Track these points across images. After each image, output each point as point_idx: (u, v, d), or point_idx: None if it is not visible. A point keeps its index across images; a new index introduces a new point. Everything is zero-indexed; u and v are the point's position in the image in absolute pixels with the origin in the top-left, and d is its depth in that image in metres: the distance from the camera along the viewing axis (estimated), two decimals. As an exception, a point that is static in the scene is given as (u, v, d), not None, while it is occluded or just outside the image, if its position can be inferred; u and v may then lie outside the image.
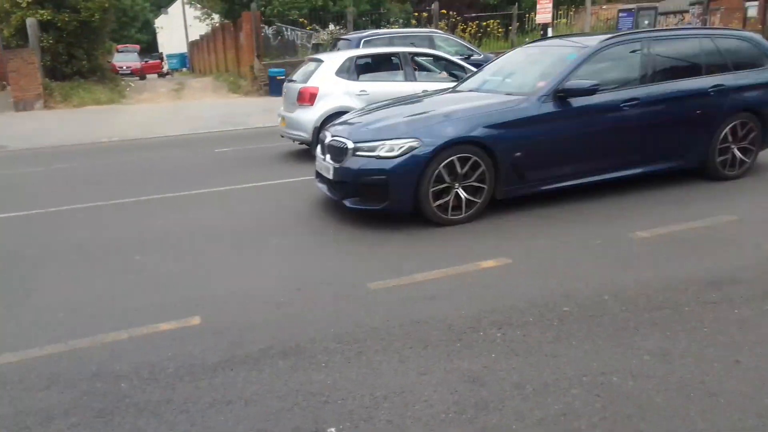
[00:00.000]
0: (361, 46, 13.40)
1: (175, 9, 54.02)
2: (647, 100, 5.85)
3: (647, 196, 6.02)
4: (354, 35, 14.36)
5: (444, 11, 20.04)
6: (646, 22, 19.88)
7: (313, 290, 4.17)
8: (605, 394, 2.83)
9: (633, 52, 6.06)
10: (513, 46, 20.12)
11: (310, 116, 8.52)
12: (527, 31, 21.33)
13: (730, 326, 3.42)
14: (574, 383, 2.93)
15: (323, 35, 21.25)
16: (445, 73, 9.62)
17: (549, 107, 5.52)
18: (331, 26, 21.89)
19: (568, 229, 5.19)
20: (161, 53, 50.16)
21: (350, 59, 8.92)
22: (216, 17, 30.72)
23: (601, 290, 3.94)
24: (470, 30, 20.34)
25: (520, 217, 5.53)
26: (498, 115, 5.42)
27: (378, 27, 20.03)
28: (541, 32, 15.50)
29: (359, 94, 8.66)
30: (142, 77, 35.63)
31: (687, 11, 24.78)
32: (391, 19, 22.16)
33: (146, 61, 42.08)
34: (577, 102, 5.60)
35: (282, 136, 9.48)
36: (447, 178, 5.26)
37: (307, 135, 8.57)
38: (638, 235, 4.92)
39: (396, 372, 3.07)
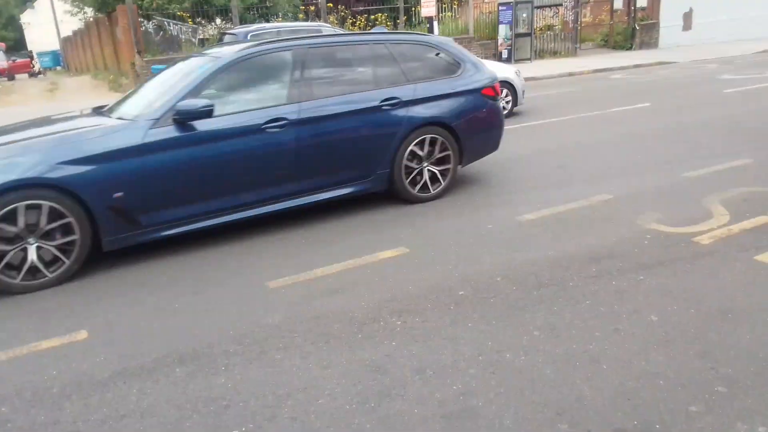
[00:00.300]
0: (248, 41, 13.12)
1: (41, 3, 50.00)
2: (300, 119, 5.00)
3: (527, 180, 6.37)
4: (240, 29, 13.99)
5: (330, 4, 20.00)
6: (524, 15, 20.90)
7: (209, 293, 4.05)
8: (500, 371, 2.97)
9: (281, 63, 5.19)
10: (402, 39, 20.48)
11: None
12: (414, 24, 21.77)
13: (610, 298, 3.69)
14: (472, 363, 3.04)
15: (209, 30, 20.52)
16: None
17: (162, 133, 4.50)
18: (218, 20, 21.20)
19: (461, 216, 5.37)
20: (30, 51, 46.33)
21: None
22: (89, 11, 28.73)
23: (493, 272, 4.12)
24: (359, 23, 20.45)
25: (417, 207, 5.65)
26: (86, 146, 4.29)
27: (267, 21, 19.62)
28: (428, 26, 15.89)
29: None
30: (11, 78, 32.86)
31: (561, 4, 26.37)
32: (280, 13, 21.79)
33: (14, 60, 38.79)
34: (203, 125, 4.63)
35: None
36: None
37: None
38: (525, 218, 5.18)
39: (299, 368, 3.05)
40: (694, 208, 5.14)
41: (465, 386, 2.85)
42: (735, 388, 2.73)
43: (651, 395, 2.71)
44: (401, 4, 21.17)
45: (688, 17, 24.16)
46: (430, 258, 4.45)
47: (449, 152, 5.81)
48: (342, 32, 15.28)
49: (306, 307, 3.73)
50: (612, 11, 24.17)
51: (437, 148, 5.73)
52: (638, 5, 23.10)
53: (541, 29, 23.14)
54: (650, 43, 23.51)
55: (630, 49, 22.83)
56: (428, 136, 5.65)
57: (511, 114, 10.53)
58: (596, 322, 3.40)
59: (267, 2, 22.03)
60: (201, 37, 19.92)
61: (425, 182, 5.75)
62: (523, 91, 10.71)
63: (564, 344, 3.19)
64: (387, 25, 20.79)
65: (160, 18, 19.91)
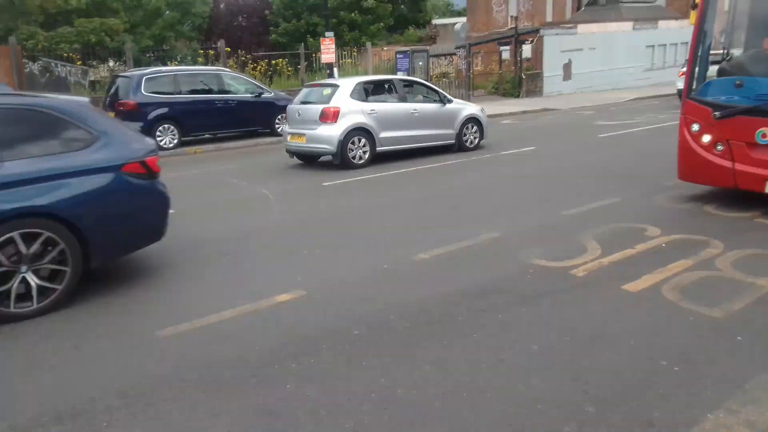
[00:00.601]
0: (142, 84, 12.88)
1: None
2: None
3: (422, 220, 6.64)
4: (135, 72, 13.70)
5: (228, 49, 20.01)
6: (420, 63, 21.95)
7: (91, 346, 3.86)
8: (392, 406, 3.05)
9: None
10: (303, 84, 20.78)
11: (334, 131, 9.91)
12: (315, 70, 22.20)
13: (495, 330, 3.90)
14: (364, 401, 3.10)
15: (102, 71, 19.87)
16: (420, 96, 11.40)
17: None
18: (111, 62, 20.59)
19: (357, 258, 5.49)
20: None
21: (359, 84, 10.56)
22: (-32, 50, 26.94)
23: (387, 311, 4.23)
24: (260, 68, 20.56)
25: (314, 249, 5.71)
26: None
27: (164, 64, 19.27)
28: (327, 72, 16.28)
29: (370, 113, 10.28)
30: None
31: (455, 54, 27.92)
32: (179, 57, 21.50)
33: None
34: None
35: (290, 152, 10.85)
36: None
37: (332, 148, 9.98)
38: (420, 257, 5.38)
39: (188, 418, 2.98)
40: (571, 243, 5.56)
41: (357, 423, 2.90)
42: (603, 407, 2.97)
43: (530, 419, 2.89)
44: (302, 50, 21.56)
45: (567, 68, 26.29)
46: (326, 299, 4.50)
47: (63, 250, 4.33)
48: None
49: (198, 355, 3.65)
50: (500, 61, 25.89)
51: (39, 245, 4.24)
52: (524, 56, 24.89)
53: (437, 76, 24.30)
54: (536, 91, 25.30)
55: (518, 96, 24.43)
56: (22, 232, 4.17)
57: (478, 147, 11.79)
58: (483, 354, 3.58)
59: (164, 45, 21.70)
60: (92, 79, 19.22)
61: (29, 292, 4.25)
62: (486, 126, 12.09)
63: (453, 377, 3.33)
64: (288, 71, 21.07)
65: (46, 59, 19.03)
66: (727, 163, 6.29)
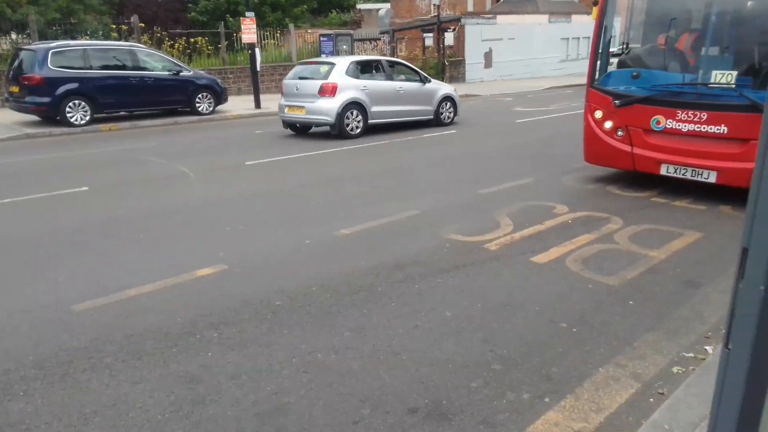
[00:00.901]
0: (49, 58, 12.26)
1: None
2: None
3: (346, 199, 6.76)
4: (40, 45, 12.92)
5: (143, 25, 19.19)
6: (344, 46, 21.90)
7: (5, 321, 3.74)
8: (311, 369, 3.18)
9: None
10: (224, 64, 20.27)
11: (333, 104, 11.02)
12: (237, 50, 21.67)
13: (412, 299, 4.10)
14: (285, 365, 3.22)
15: (2, 44, 18.55)
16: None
17: None
18: (13, 35, 19.25)
19: (281, 234, 5.55)
20: None
21: (353, 62, 11.67)
22: None
23: (309, 283, 4.34)
24: (178, 46, 19.84)
25: (236, 226, 5.72)
26: None
27: (72, 38, 18.22)
28: (249, 51, 15.95)
29: (363, 89, 11.44)
30: None
31: (380, 39, 28.03)
32: (89, 31, 20.35)
33: None
34: None
35: (286, 123, 12.04)
36: None
37: (331, 119, 11.06)
38: (342, 233, 5.51)
39: (107, 387, 2.98)
40: (486, 219, 5.86)
41: (278, 386, 3.01)
42: (508, 365, 3.22)
43: (441, 378, 3.10)
44: (222, 30, 20.99)
45: (488, 56, 27.05)
46: (248, 273, 4.55)
47: None
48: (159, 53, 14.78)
49: (117, 328, 3.63)
50: (424, 48, 26.24)
51: None
52: (446, 44, 25.36)
53: (361, 61, 24.22)
54: (458, 77, 25.88)
55: (441, 81, 24.87)
56: None
57: (452, 122, 13.17)
58: (399, 321, 3.76)
59: (71, 19, 20.52)
60: (-8, 51, 17.93)
61: None
62: (459, 105, 13.46)
63: (371, 342, 3.49)
64: (208, 50, 20.48)
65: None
66: (627, 148, 6.80)
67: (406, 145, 10.77)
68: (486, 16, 27.89)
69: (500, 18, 27.41)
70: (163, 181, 7.88)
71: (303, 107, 11.37)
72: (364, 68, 11.95)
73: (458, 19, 26.43)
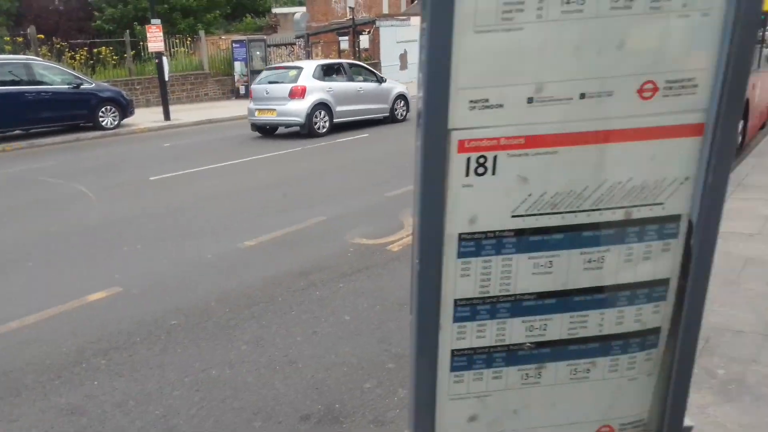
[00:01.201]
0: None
1: None
2: None
3: (252, 209, 6.67)
4: None
5: (42, 36, 18.21)
6: (258, 52, 21.58)
7: None
8: (204, 387, 3.12)
9: None
10: (131, 75, 19.52)
11: (303, 106, 11.80)
12: (145, 59, 20.90)
13: (313, 306, 4.09)
14: (177, 386, 3.13)
15: None
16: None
17: None
18: None
19: (180, 250, 5.40)
20: None
21: (319, 66, 12.58)
22: None
23: (208, 298, 4.25)
24: (80, 57, 18.94)
25: (135, 245, 5.52)
26: None
27: (-38, 53, 17.03)
28: (156, 60, 15.43)
29: (328, 90, 12.28)
30: None
31: (295, 43, 27.83)
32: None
33: None
34: None
35: (255, 126, 12.71)
36: None
37: (301, 119, 11.83)
38: (246, 245, 5.42)
39: (-22, 428, 2.81)
40: (391, 221, 5.92)
41: (167, 409, 2.93)
42: (401, 363, 3.27)
43: (335, 382, 3.11)
44: (128, 38, 20.22)
45: (403, 58, 27.37)
46: (143, 294, 4.40)
47: None
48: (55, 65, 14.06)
49: (-5, 363, 3.42)
50: (339, 51, 26.30)
51: None
52: (362, 47, 25.50)
53: (276, 66, 23.99)
54: (374, 79, 26.04)
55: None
56: None
57: (405, 119, 14.05)
58: (298, 329, 3.75)
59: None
60: None
61: None
62: (411, 102, 14.20)
63: (267, 353, 3.46)
64: (113, 60, 19.66)
65: None
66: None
67: (309, 153, 10.74)
68: (400, 18, 28.20)
69: (414, 19, 27.77)
70: (59, 202, 7.50)
71: (274, 110, 12.08)
72: (328, 71, 12.83)
73: (373, 22, 26.61)
